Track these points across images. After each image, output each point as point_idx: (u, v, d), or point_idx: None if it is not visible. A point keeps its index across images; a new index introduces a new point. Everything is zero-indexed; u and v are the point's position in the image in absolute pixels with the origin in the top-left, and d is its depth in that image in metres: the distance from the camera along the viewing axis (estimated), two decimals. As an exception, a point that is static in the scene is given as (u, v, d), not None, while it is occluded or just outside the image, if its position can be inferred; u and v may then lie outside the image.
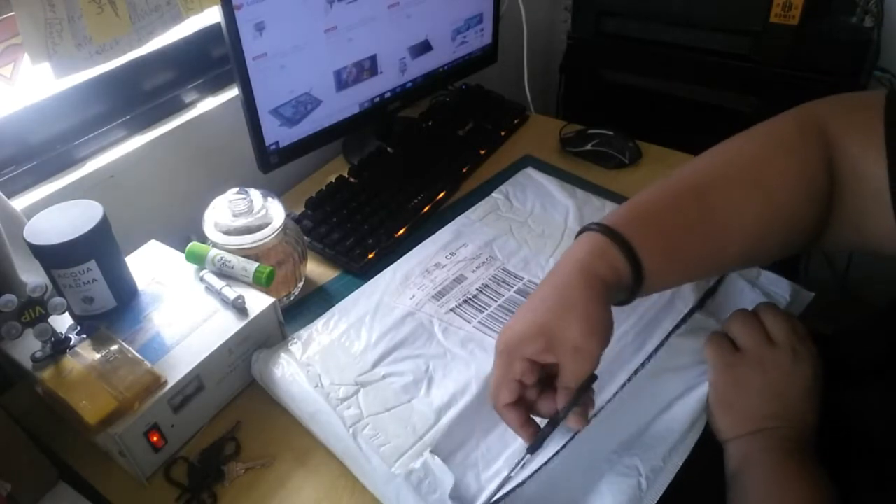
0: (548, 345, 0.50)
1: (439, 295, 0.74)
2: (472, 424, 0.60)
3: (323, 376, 0.65)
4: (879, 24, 1.12)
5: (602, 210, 0.85)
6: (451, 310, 0.72)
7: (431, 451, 0.57)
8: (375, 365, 0.66)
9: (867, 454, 0.56)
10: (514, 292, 0.74)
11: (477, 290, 0.74)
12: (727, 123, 1.35)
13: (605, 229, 0.53)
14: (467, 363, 0.65)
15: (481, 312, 0.71)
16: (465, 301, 0.73)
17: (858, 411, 0.59)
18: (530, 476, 0.54)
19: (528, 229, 0.83)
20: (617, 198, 0.90)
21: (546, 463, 0.54)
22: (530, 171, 0.94)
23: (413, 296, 0.74)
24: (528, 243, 0.80)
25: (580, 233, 0.55)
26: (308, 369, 0.66)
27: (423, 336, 0.69)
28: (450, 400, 0.62)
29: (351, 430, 0.60)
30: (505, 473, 0.56)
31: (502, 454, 0.57)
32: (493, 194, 0.90)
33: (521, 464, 0.55)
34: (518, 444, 0.58)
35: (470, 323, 0.70)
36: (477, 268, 0.77)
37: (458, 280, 0.76)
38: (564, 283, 0.52)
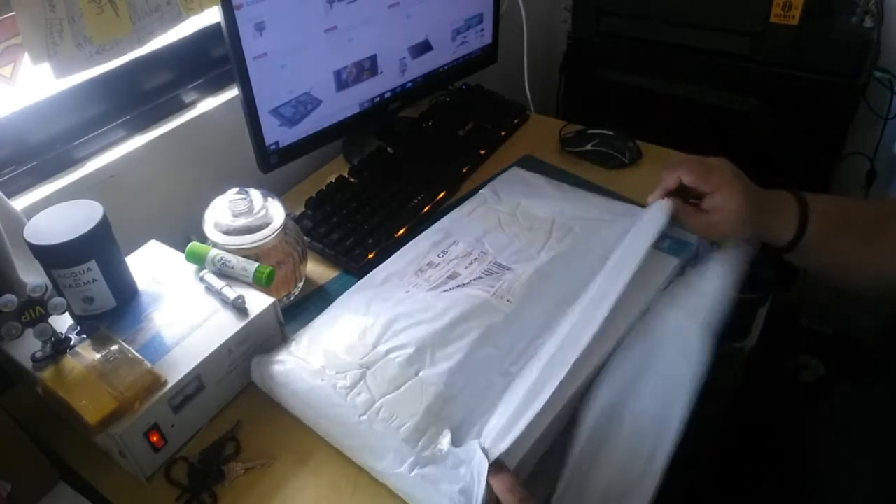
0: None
1: (433, 290, 0.74)
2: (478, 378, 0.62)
3: (327, 368, 0.65)
4: (879, 24, 1.12)
5: (589, 203, 0.85)
6: (445, 292, 0.73)
7: (448, 429, 0.57)
8: (376, 344, 0.66)
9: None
10: (507, 281, 0.74)
11: (469, 283, 0.75)
12: (727, 123, 1.36)
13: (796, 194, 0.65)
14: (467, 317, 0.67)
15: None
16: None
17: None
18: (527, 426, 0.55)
19: (517, 223, 0.83)
20: (616, 197, 0.90)
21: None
22: (517, 170, 0.94)
23: (407, 291, 0.74)
24: (519, 237, 0.81)
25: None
26: (310, 364, 0.66)
27: (420, 306, 0.70)
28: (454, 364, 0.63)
29: (366, 417, 0.60)
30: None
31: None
32: (482, 191, 0.90)
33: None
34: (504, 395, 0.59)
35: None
36: (470, 264, 0.77)
37: (452, 277, 0.76)
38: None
